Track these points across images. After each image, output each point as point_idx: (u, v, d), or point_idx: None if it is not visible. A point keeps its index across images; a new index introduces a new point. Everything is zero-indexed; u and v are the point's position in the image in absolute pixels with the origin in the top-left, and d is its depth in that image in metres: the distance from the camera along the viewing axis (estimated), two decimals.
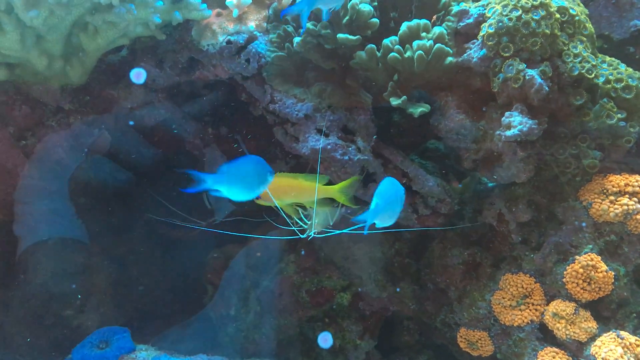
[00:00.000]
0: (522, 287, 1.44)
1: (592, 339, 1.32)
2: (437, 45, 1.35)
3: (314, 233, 1.39)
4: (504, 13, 1.32)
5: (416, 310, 1.73)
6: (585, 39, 1.38)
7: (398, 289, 1.71)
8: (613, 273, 1.33)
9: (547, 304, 1.41)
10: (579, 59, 1.34)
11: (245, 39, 1.52)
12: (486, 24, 1.35)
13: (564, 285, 1.37)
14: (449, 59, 1.37)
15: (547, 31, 1.30)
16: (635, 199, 1.33)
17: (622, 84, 1.33)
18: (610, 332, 1.30)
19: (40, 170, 1.67)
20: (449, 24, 1.42)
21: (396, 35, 1.38)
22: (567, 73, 1.34)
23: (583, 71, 1.33)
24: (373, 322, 1.77)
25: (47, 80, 1.55)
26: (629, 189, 1.34)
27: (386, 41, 1.38)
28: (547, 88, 1.30)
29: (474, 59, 1.38)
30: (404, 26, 1.38)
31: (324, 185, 1.37)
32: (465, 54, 1.40)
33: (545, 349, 1.38)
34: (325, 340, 1.68)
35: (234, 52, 1.52)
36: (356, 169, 1.48)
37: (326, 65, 1.48)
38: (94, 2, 1.36)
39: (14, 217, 1.71)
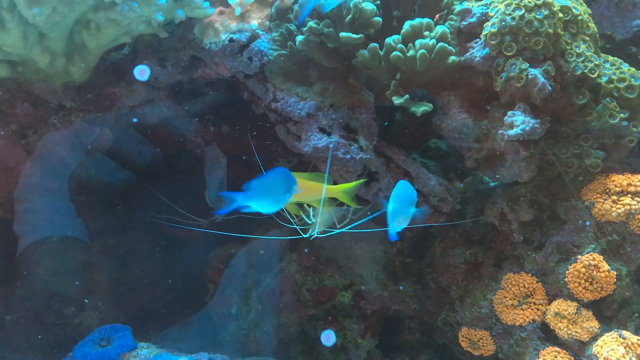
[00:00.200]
0: (524, 286, 1.44)
1: (594, 338, 1.32)
2: (440, 44, 1.35)
3: (317, 233, 1.39)
4: (507, 12, 1.31)
5: (418, 309, 1.73)
6: (588, 38, 1.38)
7: (401, 287, 1.71)
8: (615, 273, 1.33)
9: (549, 304, 1.41)
10: (582, 58, 1.34)
11: (247, 37, 1.52)
12: (489, 23, 1.35)
13: (566, 285, 1.37)
14: (452, 58, 1.37)
15: (550, 30, 1.30)
16: (638, 198, 1.33)
17: (625, 84, 1.33)
18: (612, 332, 1.30)
19: (42, 168, 1.67)
20: (452, 22, 1.42)
21: (399, 34, 1.38)
22: (570, 72, 1.34)
23: (586, 71, 1.33)
24: (374, 321, 1.77)
25: (49, 77, 1.55)
26: (632, 188, 1.34)
27: (389, 40, 1.37)
28: (549, 87, 1.30)
29: (477, 58, 1.38)
30: (407, 25, 1.38)
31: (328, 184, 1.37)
32: (467, 53, 1.40)
33: (547, 348, 1.38)
34: (328, 338, 1.68)
35: (236, 50, 1.51)
36: (358, 167, 1.48)
37: (328, 63, 1.48)
38: (97, 0, 1.35)
39: (16, 215, 1.70)
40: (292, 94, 1.52)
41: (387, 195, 1.51)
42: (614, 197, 1.35)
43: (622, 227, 1.35)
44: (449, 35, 1.38)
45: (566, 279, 1.37)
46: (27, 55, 1.44)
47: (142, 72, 1.52)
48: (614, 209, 1.34)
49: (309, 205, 1.48)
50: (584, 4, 1.44)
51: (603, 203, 1.35)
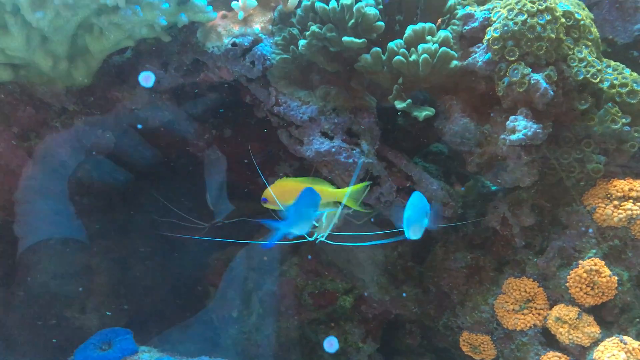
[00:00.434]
0: (525, 291, 1.44)
1: (595, 343, 1.32)
2: (442, 48, 1.35)
3: (322, 237, 1.40)
4: (510, 17, 1.32)
5: (419, 313, 1.73)
6: (590, 43, 1.38)
7: (404, 294, 1.71)
8: (616, 278, 1.33)
9: (550, 309, 1.41)
10: (584, 63, 1.34)
11: (250, 42, 1.52)
12: (491, 28, 1.35)
13: (567, 290, 1.37)
14: (454, 62, 1.37)
15: (553, 35, 1.30)
16: (639, 203, 1.33)
17: (627, 89, 1.33)
18: (614, 337, 1.30)
19: (44, 170, 1.67)
20: (454, 27, 1.42)
21: (401, 39, 1.38)
22: (572, 77, 1.34)
23: (588, 76, 1.34)
24: (375, 325, 1.77)
25: (51, 81, 1.55)
26: (633, 193, 1.34)
27: (391, 44, 1.38)
28: (552, 92, 1.30)
29: (479, 63, 1.38)
30: (410, 29, 1.38)
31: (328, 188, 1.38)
32: (470, 58, 1.40)
33: (548, 353, 1.38)
34: (331, 345, 1.68)
35: (239, 54, 1.52)
36: (360, 171, 1.48)
37: (331, 68, 1.48)
38: (100, 4, 1.35)
39: (17, 217, 1.71)
40: (295, 98, 1.52)
41: (389, 200, 1.52)
42: (616, 202, 1.35)
43: (624, 232, 1.35)
44: (452, 40, 1.39)
45: (567, 284, 1.37)
46: (30, 58, 1.44)
47: (146, 79, 1.52)
48: (615, 214, 1.34)
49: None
50: (586, 9, 1.44)
51: (605, 208, 1.36)
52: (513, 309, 1.44)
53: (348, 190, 1.37)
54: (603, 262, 1.34)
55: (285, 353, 1.76)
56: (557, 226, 1.45)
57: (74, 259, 1.82)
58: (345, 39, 1.38)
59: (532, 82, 1.30)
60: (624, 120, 1.33)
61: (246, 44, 1.51)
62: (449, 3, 1.43)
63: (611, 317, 1.37)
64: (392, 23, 1.48)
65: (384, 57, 1.39)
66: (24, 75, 1.52)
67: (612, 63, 1.39)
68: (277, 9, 1.54)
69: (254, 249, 1.84)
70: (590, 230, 1.37)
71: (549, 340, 1.41)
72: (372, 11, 1.37)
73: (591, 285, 1.34)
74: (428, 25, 1.38)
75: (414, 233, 1.18)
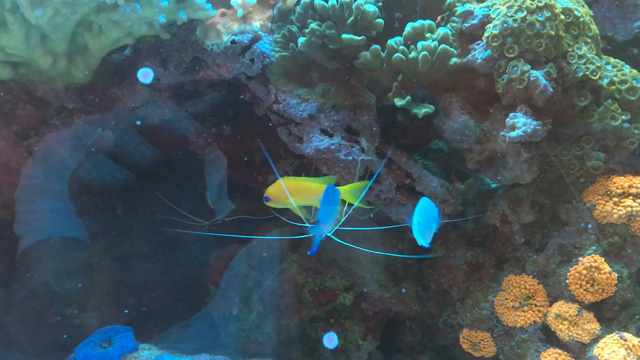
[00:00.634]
0: (525, 288, 1.44)
1: (595, 340, 1.32)
2: (442, 46, 1.35)
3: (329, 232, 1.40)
4: (509, 14, 1.32)
5: (419, 310, 1.73)
6: (589, 40, 1.38)
7: (404, 290, 1.71)
8: (616, 274, 1.33)
9: (550, 305, 1.41)
10: (584, 60, 1.34)
11: (249, 39, 1.52)
12: (491, 25, 1.35)
13: (567, 287, 1.37)
14: (454, 59, 1.37)
15: (552, 32, 1.30)
16: (639, 200, 1.33)
17: (627, 86, 1.33)
18: (614, 334, 1.31)
19: (44, 169, 1.67)
20: (454, 24, 1.42)
21: (401, 36, 1.38)
22: (571, 74, 1.34)
23: (587, 72, 1.34)
24: (375, 322, 1.77)
25: (51, 79, 1.55)
26: (633, 190, 1.34)
27: (391, 42, 1.38)
28: (551, 89, 1.30)
29: (479, 60, 1.38)
30: (409, 27, 1.38)
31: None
32: (469, 55, 1.40)
33: (548, 350, 1.38)
34: (330, 340, 1.68)
35: (238, 52, 1.52)
36: (360, 169, 1.48)
37: (330, 65, 1.48)
38: (99, 2, 1.35)
39: (17, 215, 1.71)
40: (294, 95, 1.52)
41: (388, 197, 1.52)
42: (616, 199, 1.35)
43: (624, 228, 1.35)
44: (451, 37, 1.39)
45: (567, 281, 1.37)
46: (30, 56, 1.44)
47: (145, 75, 1.52)
48: (615, 210, 1.34)
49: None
50: (586, 6, 1.44)
51: (604, 205, 1.36)
52: (513, 306, 1.45)
53: (352, 186, 1.39)
54: (603, 259, 1.34)
55: (285, 351, 1.76)
56: (556, 223, 1.45)
57: (74, 257, 1.82)
58: (344, 36, 1.38)
59: (532, 79, 1.30)
60: (623, 117, 1.33)
61: (245, 41, 1.51)
62: (448, 0, 1.43)
63: (611, 314, 1.37)
64: (392, 20, 1.48)
65: (383, 55, 1.38)
66: (24, 73, 1.52)
67: (612, 60, 1.39)
68: (276, 6, 1.54)
69: (253, 247, 1.84)
70: (590, 226, 1.37)
71: (549, 337, 1.42)
72: (371, 8, 1.37)
73: (591, 282, 1.34)
74: (427, 22, 1.38)
75: (424, 239, 1.20)
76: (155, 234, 1.97)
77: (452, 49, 1.37)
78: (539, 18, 1.30)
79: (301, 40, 1.44)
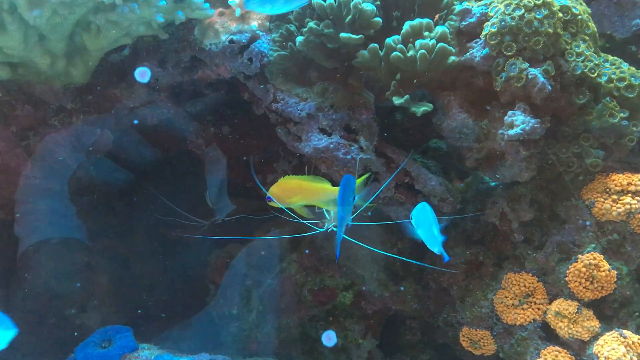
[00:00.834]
0: (525, 286, 1.44)
1: (595, 338, 1.32)
2: (440, 44, 1.35)
3: (332, 226, 1.41)
4: (507, 12, 1.32)
5: (418, 309, 1.73)
6: (587, 38, 1.38)
7: (402, 287, 1.71)
8: (616, 272, 1.33)
9: (550, 303, 1.41)
10: (582, 58, 1.34)
11: (247, 38, 1.52)
12: (489, 23, 1.35)
13: (566, 284, 1.37)
14: (452, 58, 1.37)
15: (550, 30, 1.30)
16: (638, 197, 1.33)
17: (625, 83, 1.33)
18: (613, 331, 1.31)
19: (43, 169, 1.67)
20: (452, 23, 1.42)
21: (399, 35, 1.38)
22: (569, 72, 1.34)
23: (586, 70, 1.34)
24: (375, 321, 1.77)
25: (49, 79, 1.55)
26: (632, 187, 1.34)
27: (389, 40, 1.37)
28: (549, 87, 1.30)
29: (477, 58, 1.38)
30: (407, 25, 1.38)
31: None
32: (467, 53, 1.40)
33: (547, 348, 1.38)
34: (329, 338, 1.68)
35: (236, 51, 1.52)
36: (359, 168, 1.48)
37: (329, 64, 1.48)
38: (97, 2, 1.36)
39: (16, 216, 1.71)
40: (293, 94, 1.52)
41: (387, 196, 1.52)
42: (614, 197, 1.35)
43: (623, 226, 1.35)
44: (449, 35, 1.39)
45: (567, 279, 1.37)
46: (28, 57, 1.44)
47: (142, 74, 1.52)
48: (614, 208, 1.34)
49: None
50: (584, 4, 1.44)
51: (603, 202, 1.36)
52: (512, 304, 1.45)
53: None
54: (602, 257, 1.34)
55: (285, 350, 1.76)
56: (556, 221, 1.45)
57: (74, 257, 1.82)
58: (342, 35, 1.38)
59: (530, 76, 1.30)
60: (622, 114, 1.33)
61: (244, 40, 1.51)
62: None
63: (610, 311, 1.37)
64: (390, 19, 1.48)
65: (381, 53, 1.38)
66: (22, 73, 1.52)
67: (610, 57, 1.39)
68: None
69: (253, 246, 1.84)
70: (589, 224, 1.37)
71: (549, 334, 1.42)
72: (369, 7, 1.37)
73: (590, 279, 1.34)
74: (425, 20, 1.38)
75: (434, 246, 1.21)
76: (155, 233, 1.97)
77: (450, 48, 1.37)
78: (536, 16, 1.30)
79: (299, 39, 1.44)
